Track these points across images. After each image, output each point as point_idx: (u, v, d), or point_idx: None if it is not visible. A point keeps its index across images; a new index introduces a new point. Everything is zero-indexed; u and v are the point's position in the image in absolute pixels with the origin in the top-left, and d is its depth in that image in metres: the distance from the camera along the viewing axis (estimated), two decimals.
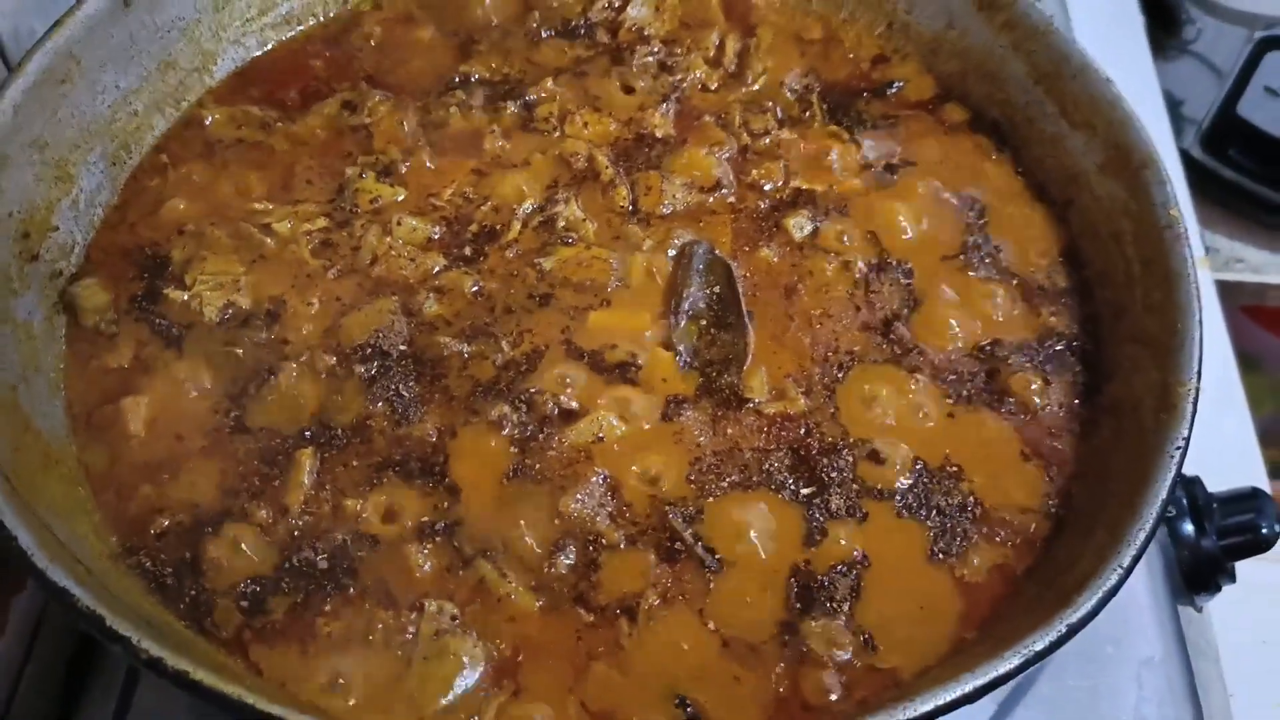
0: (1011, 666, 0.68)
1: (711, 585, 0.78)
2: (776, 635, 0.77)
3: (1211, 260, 1.80)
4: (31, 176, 0.91)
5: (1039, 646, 0.69)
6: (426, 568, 0.76)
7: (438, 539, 0.77)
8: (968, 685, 0.66)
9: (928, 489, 0.84)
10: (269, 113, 1.05)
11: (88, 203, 0.96)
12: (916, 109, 1.09)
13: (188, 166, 1.01)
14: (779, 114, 1.07)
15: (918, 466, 0.85)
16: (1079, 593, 0.71)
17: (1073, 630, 0.70)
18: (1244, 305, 1.89)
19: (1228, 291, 1.82)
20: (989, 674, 0.67)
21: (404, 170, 1.01)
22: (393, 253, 0.91)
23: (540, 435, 0.82)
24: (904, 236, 0.98)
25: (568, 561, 0.77)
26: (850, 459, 0.85)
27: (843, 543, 0.80)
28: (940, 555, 0.82)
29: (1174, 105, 1.87)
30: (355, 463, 0.80)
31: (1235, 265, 1.85)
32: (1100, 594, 0.71)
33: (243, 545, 0.76)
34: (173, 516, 0.78)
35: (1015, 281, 0.96)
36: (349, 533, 0.77)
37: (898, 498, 0.83)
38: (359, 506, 0.78)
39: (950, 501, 0.84)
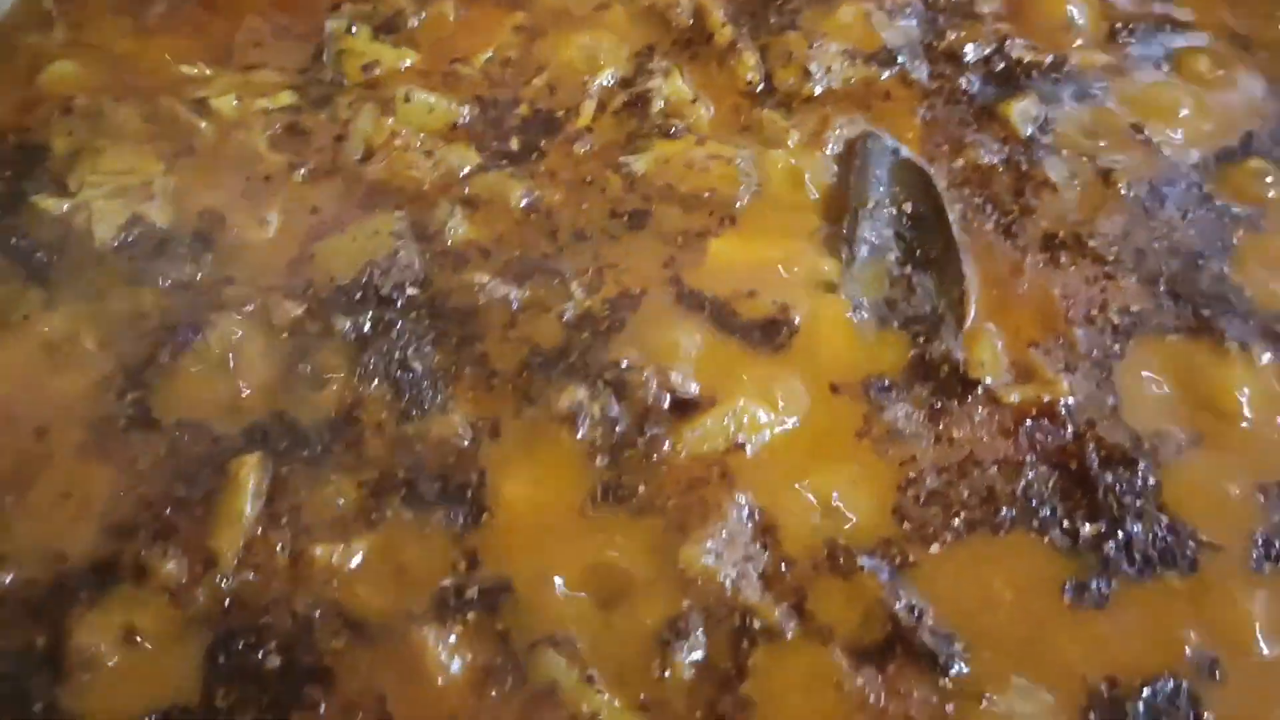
0: None
1: (950, 707, 0.51)
2: None
3: None
4: None
5: None
6: (453, 668, 0.54)
7: (470, 615, 0.55)
8: None
9: None
10: None
11: None
12: None
13: (85, 14, 0.81)
14: None
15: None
16: None
17: None
18: None
19: None
20: None
21: (415, 24, 0.81)
22: (397, 144, 0.74)
23: (641, 438, 0.61)
24: (1189, 134, 0.73)
25: (694, 658, 0.54)
26: (1151, 477, 0.58)
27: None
28: None
29: None
30: (333, 478, 0.59)
31: None
32: None
33: (137, 626, 0.54)
34: (19, 570, 0.57)
35: None
36: (319, 602, 0.56)
37: (1256, 543, 0.56)
38: (336, 557, 0.57)
39: None
